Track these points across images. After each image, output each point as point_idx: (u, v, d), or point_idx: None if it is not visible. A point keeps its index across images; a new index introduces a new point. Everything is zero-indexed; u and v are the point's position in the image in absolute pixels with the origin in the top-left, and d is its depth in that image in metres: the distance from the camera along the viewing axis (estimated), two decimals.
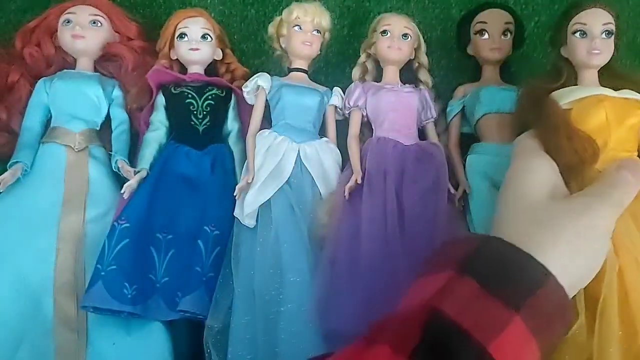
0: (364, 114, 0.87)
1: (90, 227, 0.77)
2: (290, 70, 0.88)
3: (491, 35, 0.89)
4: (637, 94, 0.72)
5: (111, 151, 0.83)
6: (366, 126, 0.88)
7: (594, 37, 0.72)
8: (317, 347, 0.64)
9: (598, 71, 0.75)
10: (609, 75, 0.75)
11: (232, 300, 0.71)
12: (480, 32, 0.90)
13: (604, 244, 0.53)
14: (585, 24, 0.73)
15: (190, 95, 0.84)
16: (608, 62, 0.75)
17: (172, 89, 0.85)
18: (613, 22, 0.73)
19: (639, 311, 0.60)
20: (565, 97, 0.72)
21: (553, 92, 0.74)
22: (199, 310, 0.69)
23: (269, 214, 0.75)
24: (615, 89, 0.72)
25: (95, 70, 0.89)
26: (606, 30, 0.73)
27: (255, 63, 0.97)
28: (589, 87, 0.73)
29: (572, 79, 0.76)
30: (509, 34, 0.90)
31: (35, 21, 0.88)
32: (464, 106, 0.90)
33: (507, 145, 0.84)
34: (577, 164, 0.63)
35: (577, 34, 0.73)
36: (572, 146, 0.64)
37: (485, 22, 0.90)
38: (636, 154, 0.71)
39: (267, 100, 0.85)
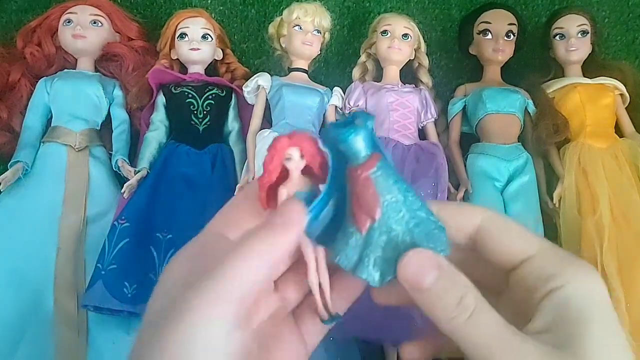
0: None
1: (91, 227, 0.77)
2: (291, 70, 0.88)
3: (494, 36, 0.89)
4: (612, 79, 0.90)
5: (111, 151, 0.83)
6: None
7: (570, 37, 0.90)
8: (318, 348, 0.64)
9: (583, 65, 0.92)
10: (593, 67, 0.92)
11: None
12: (484, 32, 0.90)
13: None
14: (562, 27, 0.91)
15: (190, 95, 0.84)
16: (591, 56, 0.92)
17: (173, 89, 0.85)
18: (588, 23, 0.91)
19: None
20: (551, 88, 0.91)
21: (544, 84, 0.92)
22: None
23: None
24: None
25: (96, 70, 0.89)
26: (581, 31, 0.91)
27: (256, 63, 0.97)
28: (569, 78, 0.92)
29: (560, 74, 0.94)
30: (512, 35, 0.90)
31: (36, 21, 0.89)
32: (464, 105, 0.90)
33: (508, 145, 0.85)
34: (554, 134, 0.85)
35: (557, 37, 0.91)
36: (554, 122, 0.85)
37: (489, 22, 0.90)
38: (613, 130, 0.88)
39: (267, 100, 0.85)
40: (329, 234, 0.24)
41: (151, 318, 0.20)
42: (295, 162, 0.24)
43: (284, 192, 0.24)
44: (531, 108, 0.89)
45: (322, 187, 0.24)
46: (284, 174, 0.24)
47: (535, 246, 0.23)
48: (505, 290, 0.24)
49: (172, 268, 0.21)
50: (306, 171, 0.24)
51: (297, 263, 0.25)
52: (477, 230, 0.24)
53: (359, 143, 0.22)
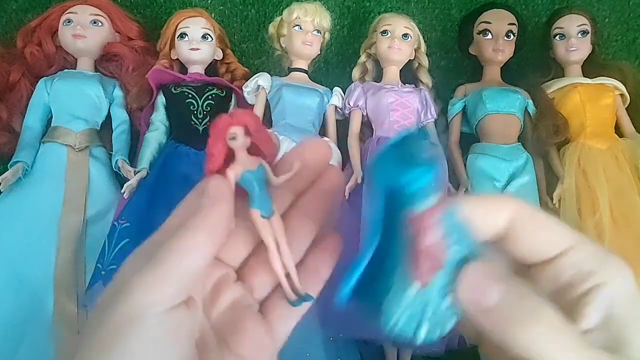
0: (364, 113, 0.87)
1: (91, 227, 0.77)
2: (291, 70, 0.88)
3: (495, 36, 0.89)
4: (612, 79, 0.90)
5: (111, 151, 0.83)
6: (366, 126, 0.88)
7: (570, 37, 0.90)
8: (318, 348, 0.64)
9: (583, 65, 0.92)
10: (593, 67, 0.92)
11: None
12: (484, 32, 0.90)
13: None
14: (562, 27, 0.91)
15: (190, 95, 0.84)
16: (591, 56, 0.92)
17: (173, 89, 0.85)
18: (588, 23, 0.91)
19: None
20: (551, 88, 0.92)
21: (544, 84, 0.92)
22: None
23: None
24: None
25: (96, 70, 0.89)
26: (581, 31, 0.91)
27: (255, 63, 0.97)
28: (569, 78, 0.92)
29: (560, 74, 0.94)
30: (512, 35, 0.90)
31: (36, 21, 0.89)
32: (464, 106, 0.90)
33: (508, 145, 0.85)
34: (554, 135, 0.85)
35: (557, 37, 0.92)
36: (554, 123, 0.86)
37: (489, 22, 0.90)
38: (613, 130, 0.88)
39: (267, 100, 0.85)
40: (366, 289, 0.20)
41: (99, 303, 0.21)
42: (240, 141, 0.22)
43: (231, 175, 0.23)
44: (531, 108, 0.88)
45: (362, 242, 0.20)
46: (230, 156, 0.23)
47: (570, 238, 0.21)
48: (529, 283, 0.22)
49: (127, 262, 0.22)
50: (252, 149, 0.23)
51: (260, 249, 0.24)
52: (506, 224, 0.21)
53: (432, 184, 0.18)
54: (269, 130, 0.23)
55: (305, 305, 0.24)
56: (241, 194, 0.23)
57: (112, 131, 0.85)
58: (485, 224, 0.21)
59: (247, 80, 0.86)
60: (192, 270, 0.20)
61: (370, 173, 0.20)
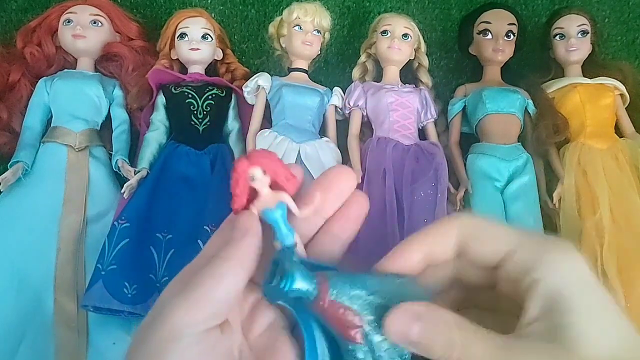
0: (364, 113, 0.87)
1: (91, 227, 0.77)
2: (291, 70, 0.88)
3: (494, 36, 0.89)
4: (612, 79, 0.90)
5: (111, 151, 0.83)
6: (366, 126, 0.88)
7: (570, 37, 0.90)
8: None
9: (583, 65, 0.92)
10: (593, 67, 0.92)
11: None
12: (484, 32, 0.90)
13: None
14: (562, 27, 0.91)
15: (190, 95, 0.84)
16: (591, 56, 0.92)
17: (173, 89, 0.85)
18: (588, 23, 0.91)
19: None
20: (551, 88, 0.92)
21: (543, 84, 0.92)
22: None
23: None
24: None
25: (96, 70, 0.89)
26: (581, 31, 0.91)
27: (255, 63, 0.97)
28: (569, 78, 0.92)
29: (560, 74, 0.94)
30: (512, 35, 0.90)
31: (36, 21, 0.89)
32: (464, 106, 0.90)
33: (507, 145, 0.85)
34: (554, 135, 0.85)
35: (557, 37, 0.92)
36: (554, 122, 0.86)
37: (489, 22, 0.90)
38: (613, 130, 0.88)
39: (267, 100, 0.85)
40: None
41: (142, 323, 0.23)
42: (260, 181, 0.24)
43: (254, 211, 0.25)
44: (531, 108, 0.88)
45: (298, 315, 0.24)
46: (254, 194, 0.25)
47: (513, 240, 0.23)
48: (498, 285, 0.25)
49: (167, 287, 0.24)
50: (274, 186, 0.25)
51: None
52: (457, 242, 0.24)
53: (300, 284, 0.22)
54: (290, 165, 0.25)
55: None
56: (267, 226, 0.25)
57: (112, 131, 0.85)
58: (440, 247, 0.24)
59: (247, 80, 0.86)
60: (224, 296, 0.23)
61: (268, 297, 0.24)
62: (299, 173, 0.26)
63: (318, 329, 0.24)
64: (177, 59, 0.89)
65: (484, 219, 0.25)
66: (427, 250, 0.24)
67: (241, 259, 0.23)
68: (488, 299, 0.25)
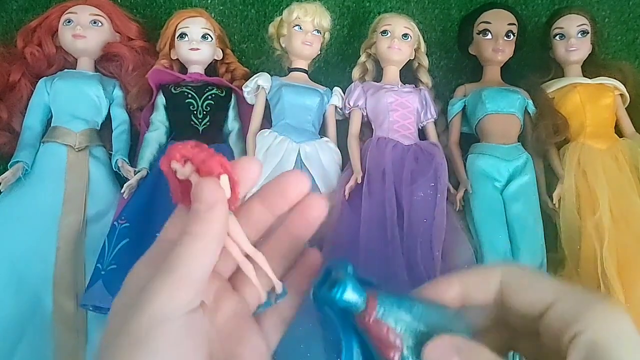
0: (364, 113, 0.87)
1: (91, 227, 0.77)
2: (291, 70, 0.88)
3: (494, 36, 0.89)
4: (612, 79, 0.89)
5: (111, 151, 0.83)
6: (366, 126, 0.88)
7: (570, 37, 0.90)
8: (317, 348, 0.64)
9: (583, 65, 0.92)
10: (593, 67, 0.92)
11: None
12: (484, 32, 0.90)
13: None
14: (562, 27, 0.91)
15: (190, 95, 0.84)
16: (591, 56, 0.92)
17: (172, 89, 0.85)
18: (588, 23, 0.91)
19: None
20: (551, 88, 0.92)
21: (543, 84, 0.92)
22: None
23: None
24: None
25: (96, 70, 0.89)
26: (581, 31, 0.91)
27: (255, 63, 0.97)
28: (569, 78, 0.92)
29: (560, 74, 0.94)
30: (512, 35, 0.90)
31: (36, 21, 0.89)
32: (464, 106, 0.90)
33: (507, 145, 0.85)
34: (554, 135, 0.85)
35: (557, 37, 0.92)
36: (554, 123, 0.86)
37: (489, 22, 0.90)
38: (613, 130, 0.88)
39: (267, 100, 0.85)
40: None
41: (117, 309, 0.22)
42: (182, 172, 0.24)
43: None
44: (531, 108, 0.88)
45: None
46: (188, 183, 0.24)
47: (554, 292, 0.23)
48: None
49: (133, 272, 0.24)
50: (203, 171, 0.24)
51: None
52: (499, 290, 0.24)
53: (351, 295, 0.23)
54: (195, 148, 0.25)
55: (291, 310, 0.27)
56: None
57: (112, 131, 0.85)
58: (479, 291, 0.25)
59: (247, 80, 0.86)
60: (204, 274, 0.22)
61: (316, 300, 0.25)
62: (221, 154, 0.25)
63: (357, 344, 0.24)
64: (177, 59, 0.89)
65: (527, 269, 0.25)
66: (465, 290, 0.25)
67: (214, 234, 0.22)
68: (532, 347, 0.25)
